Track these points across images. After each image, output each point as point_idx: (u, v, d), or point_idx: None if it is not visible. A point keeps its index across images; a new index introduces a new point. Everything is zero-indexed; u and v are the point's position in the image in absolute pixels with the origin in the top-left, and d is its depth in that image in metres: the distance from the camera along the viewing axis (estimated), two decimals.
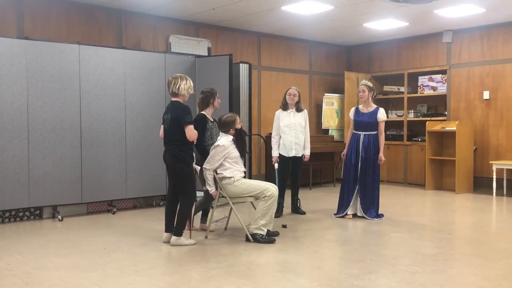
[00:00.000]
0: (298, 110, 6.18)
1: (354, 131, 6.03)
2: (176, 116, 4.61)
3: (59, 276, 3.79)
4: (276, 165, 6.06)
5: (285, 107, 6.18)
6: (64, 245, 4.75)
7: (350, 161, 5.98)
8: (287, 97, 6.16)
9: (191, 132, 4.59)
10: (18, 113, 5.77)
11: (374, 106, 6.01)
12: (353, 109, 6.16)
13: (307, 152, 6.24)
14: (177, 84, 4.68)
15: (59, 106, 6.02)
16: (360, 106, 6.09)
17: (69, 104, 6.10)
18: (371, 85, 6.02)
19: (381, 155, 5.87)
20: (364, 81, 6.16)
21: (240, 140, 4.99)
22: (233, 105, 6.96)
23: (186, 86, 4.71)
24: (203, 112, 5.28)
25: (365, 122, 5.93)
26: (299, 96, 6.17)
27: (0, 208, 5.71)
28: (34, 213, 6.10)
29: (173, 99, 4.74)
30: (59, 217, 6.00)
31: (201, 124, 5.15)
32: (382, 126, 5.93)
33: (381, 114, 5.93)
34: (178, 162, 4.66)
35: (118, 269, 3.95)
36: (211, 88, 5.38)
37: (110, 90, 6.41)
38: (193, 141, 4.71)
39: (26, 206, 5.88)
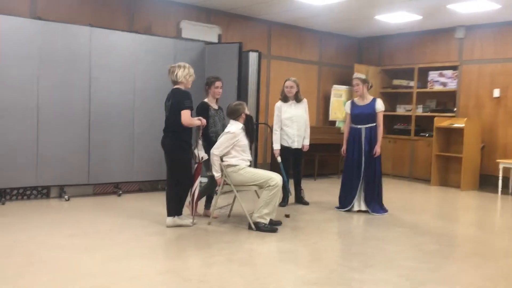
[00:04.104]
0: (298, 100, 6.16)
1: (353, 125, 5.92)
2: (176, 102, 4.70)
3: (63, 256, 3.86)
4: (279, 159, 6.03)
5: (285, 99, 6.16)
6: (69, 225, 4.82)
7: (352, 156, 5.88)
8: (285, 89, 6.13)
9: (185, 116, 4.65)
10: (29, 92, 5.82)
11: (371, 97, 5.93)
12: (348, 103, 6.08)
13: (306, 142, 6.21)
14: (174, 72, 4.79)
15: (69, 88, 6.07)
16: (356, 99, 6.01)
17: (78, 86, 6.14)
18: (364, 76, 5.95)
19: (378, 147, 5.79)
20: (356, 74, 6.06)
21: (250, 127, 5.04)
22: (241, 94, 6.97)
23: (183, 73, 4.78)
24: (205, 100, 5.32)
25: (364, 115, 5.84)
26: (297, 86, 6.12)
27: (8, 186, 5.79)
28: (42, 192, 6.19)
29: (174, 86, 4.82)
30: (66, 197, 6.08)
31: (202, 111, 5.19)
32: (380, 117, 5.84)
33: (379, 105, 5.84)
34: (175, 148, 4.75)
35: (121, 252, 4.02)
36: (212, 76, 5.42)
37: (120, 73, 6.44)
38: (191, 127, 4.78)
39: (34, 184, 5.96)
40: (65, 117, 6.06)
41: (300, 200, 6.36)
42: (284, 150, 6.14)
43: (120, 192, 6.52)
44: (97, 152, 6.31)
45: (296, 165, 6.30)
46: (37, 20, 5.89)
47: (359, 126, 5.89)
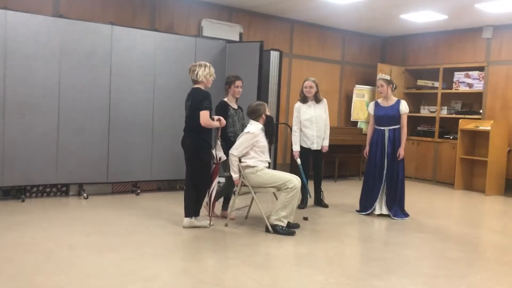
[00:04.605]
0: (317, 101, 6.05)
1: (376, 127, 5.82)
2: (195, 102, 4.65)
3: (80, 254, 3.85)
4: (298, 160, 5.96)
5: (304, 100, 6.05)
6: (87, 224, 4.83)
7: (374, 158, 5.77)
8: (304, 90, 6.02)
9: (203, 117, 4.60)
10: (50, 90, 5.85)
11: (395, 99, 5.81)
12: (372, 104, 5.96)
13: (326, 143, 6.10)
14: (195, 71, 4.74)
15: (89, 86, 6.08)
16: (380, 100, 5.90)
17: (99, 84, 6.15)
18: (388, 77, 5.83)
19: (401, 150, 5.66)
20: (380, 74, 5.96)
21: (270, 128, 4.96)
22: (262, 93, 6.89)
23: (204, 72, 4.73)
24: (224, 99, 5.25)
25: (388, 116, 5.72)
26: (316, 86, 6.01)
27: (28, 183, 5.84)
28: (61, 190, 6.22)
29: (194, 86, 4.77)
30: (85, 195, 6.10)
31: (221, 110, 5.13)
32: (404, 119, 5.73)
33: (403, 107, 5.73)
34: (195, 148, 4.71)
35: (137, 252, 3.99)
36: (232, 75, 5.33)
37: (140, 72, 6.43)
38: (210, 128, 4.72)
39: (54, 182, 6.00)
40: (85, 115, 6.08)
41: (319, 202, 6.26)
42: (304, 151, 6.05)
43: (139, 191, 6.52)
44: (116, 151, 6.32)
45: (316, 167, 6.21)
46: (59, 18, 5.92)
47: (382, 128, 5.77)
